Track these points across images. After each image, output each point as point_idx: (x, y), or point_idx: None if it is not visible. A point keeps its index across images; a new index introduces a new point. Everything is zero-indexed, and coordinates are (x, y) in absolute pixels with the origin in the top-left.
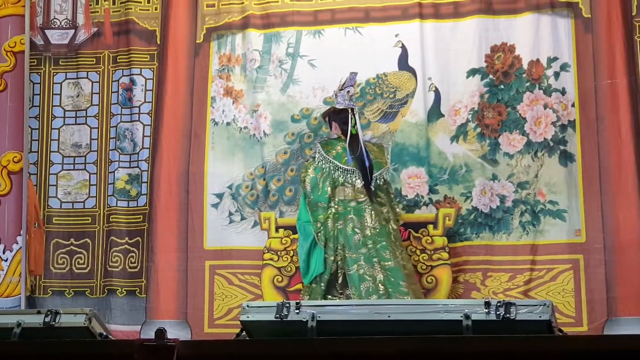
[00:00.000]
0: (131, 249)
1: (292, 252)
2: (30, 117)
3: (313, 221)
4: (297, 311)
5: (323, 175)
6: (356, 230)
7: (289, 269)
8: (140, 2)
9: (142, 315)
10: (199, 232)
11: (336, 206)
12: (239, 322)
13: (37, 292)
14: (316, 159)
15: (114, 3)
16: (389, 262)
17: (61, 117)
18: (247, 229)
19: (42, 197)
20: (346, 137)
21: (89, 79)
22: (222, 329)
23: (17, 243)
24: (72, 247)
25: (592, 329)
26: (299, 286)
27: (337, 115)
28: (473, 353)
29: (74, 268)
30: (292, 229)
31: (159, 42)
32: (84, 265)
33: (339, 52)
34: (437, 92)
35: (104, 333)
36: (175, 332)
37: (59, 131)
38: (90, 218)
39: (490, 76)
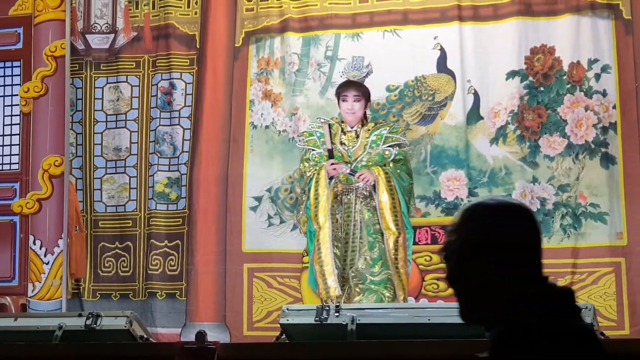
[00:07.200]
0: (171, 252)
1: None
2: (74, 122)
3: None
4: (337, 314)
5: None
6: None
7: None
8: (180, 7)
9: (183, 318)
10: (237, 235)
11: None
12: (278, 325)
13: (85, 296)
14: None
15: (153, 8)
16: None
17: (103, 122)
18: (286, 232)
19: (88, 202)
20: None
21: (128, 83)
22: (261, 332)
23: (59, 246)
24: (117, 250)
25: (634, 333)
26: None
27: None
28: None
29: (119, 271)
30: None
31: (198, 47)
32: (127, 269)
33: (378, 55)
34: (476, 95)
35: (145, 336)
36: (215, 335)
37: (101, 135)
38: (131, 221)
39: (530, 78)
